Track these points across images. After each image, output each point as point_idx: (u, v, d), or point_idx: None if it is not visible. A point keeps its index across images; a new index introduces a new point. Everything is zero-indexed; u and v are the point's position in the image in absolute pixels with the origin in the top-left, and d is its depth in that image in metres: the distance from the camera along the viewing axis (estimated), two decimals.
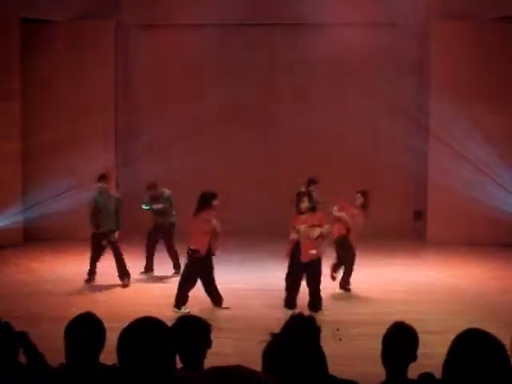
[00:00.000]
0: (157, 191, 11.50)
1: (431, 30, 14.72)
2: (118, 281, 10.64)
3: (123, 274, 10.61)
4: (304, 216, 9.03)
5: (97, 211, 10.55)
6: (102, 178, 10.71)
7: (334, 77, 15.61)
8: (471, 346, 2.55)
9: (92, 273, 10.84)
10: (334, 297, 9.88)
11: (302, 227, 8.93)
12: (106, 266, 11.91)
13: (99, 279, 10.87)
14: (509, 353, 2.57)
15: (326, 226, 9.14)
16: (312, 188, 11.19)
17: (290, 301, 9.05)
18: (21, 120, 14.42)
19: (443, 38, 14.51)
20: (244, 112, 15.75)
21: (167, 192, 11.56)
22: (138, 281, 10.95)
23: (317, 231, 8.92)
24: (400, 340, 3.61)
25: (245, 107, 15.73)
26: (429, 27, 14.77)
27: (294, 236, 8.96)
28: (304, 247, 8.94)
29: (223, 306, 9.22)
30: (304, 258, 8.93)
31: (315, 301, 8.98)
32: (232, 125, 15.73)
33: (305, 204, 9.04)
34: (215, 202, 9.17)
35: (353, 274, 10.26)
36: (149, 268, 11.52)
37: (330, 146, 15.78)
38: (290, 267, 9.15)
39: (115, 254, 10.64)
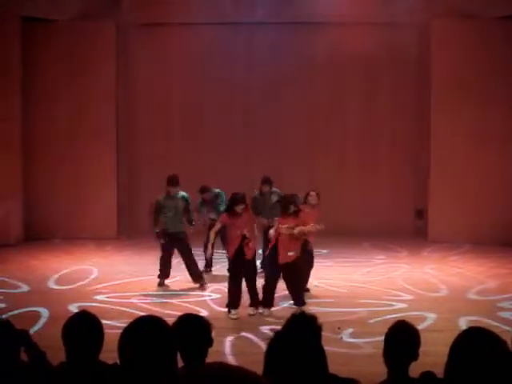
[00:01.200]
0: (210, 194, 11.30)
1: (432, 28, 14.68)
2: (117, 279, 10.65)
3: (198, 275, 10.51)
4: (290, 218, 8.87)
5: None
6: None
7: (334, 75, 15.60)
8: (474, 345, 2.55)
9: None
10: (335, 295, 9.88)
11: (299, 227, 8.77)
12: (107, 265, 11.94)
13: (98, 279, 10.89)
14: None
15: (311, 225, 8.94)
16: (268, 188, 11.01)
17: (271, 298, 8.85)
18: (21, 120, 14.40)
19: (444, 37, 14.47)
20: (245, 111, 15.74)
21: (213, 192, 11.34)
22: (138, 280, 10.93)
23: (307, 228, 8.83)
24: (402, 339, 3.62)
25: (246, 106, 15.73)
26: (430, 25, 14.73)
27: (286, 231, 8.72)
28: (282, 249, 8.70)
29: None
30: (282, 260, 8.68)
31: (297, 296, 8.82)
32: (233, 124, 15.72)
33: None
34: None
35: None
36: (208, 265, 11.41)
37: (330, 145, 15.79)
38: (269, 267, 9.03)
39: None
